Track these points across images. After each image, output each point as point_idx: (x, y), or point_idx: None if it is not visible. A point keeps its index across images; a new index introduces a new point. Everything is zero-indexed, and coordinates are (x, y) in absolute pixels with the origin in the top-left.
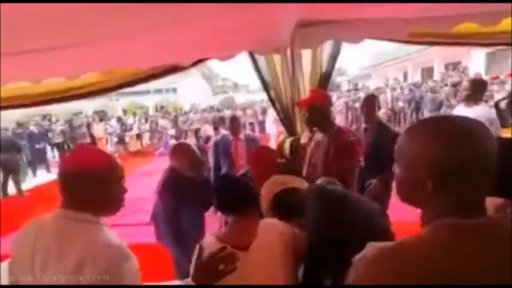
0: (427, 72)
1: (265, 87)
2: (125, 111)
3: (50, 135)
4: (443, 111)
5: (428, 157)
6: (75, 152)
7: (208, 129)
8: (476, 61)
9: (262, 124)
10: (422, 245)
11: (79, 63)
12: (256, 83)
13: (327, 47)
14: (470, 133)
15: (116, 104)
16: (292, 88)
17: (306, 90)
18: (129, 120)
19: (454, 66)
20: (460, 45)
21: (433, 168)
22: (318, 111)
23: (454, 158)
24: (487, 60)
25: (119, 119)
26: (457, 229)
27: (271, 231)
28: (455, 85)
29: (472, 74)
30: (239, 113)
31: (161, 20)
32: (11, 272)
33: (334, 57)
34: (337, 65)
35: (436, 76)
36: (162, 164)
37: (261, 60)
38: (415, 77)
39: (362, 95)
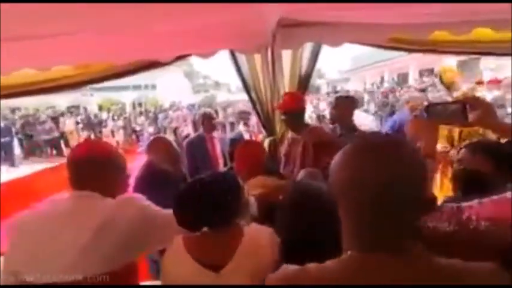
0: (403, 78)
1: (246, 87)
2: (100, 107)
3: (14, 129)
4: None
5: (332, 179)
6: (85, 142)
7: (187, 127)
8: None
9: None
10: (323, 274)
11: (51, 55)
12: (237, 83)
13: (307, 48)
14: (372, 153)
15: (91, 99)
16: (272, 89)
17: (285, 91)
18: (103, 115)
19: (428, 72)
20: (434, 52)
21: (334, 190)
22: (292, 115)
23: (347, 179)
24: (458, 68)
25: (95, 115)
26: (351, 262)
27: (254, 248)
28: (422, 90)
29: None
30: (220, 112)
31: (140, 14)
32: (9, 264)
33: (313, 59)
34: (317, 67)
35: (411, 81)
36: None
37: (242, 60)
38: (391, 81)
39: None
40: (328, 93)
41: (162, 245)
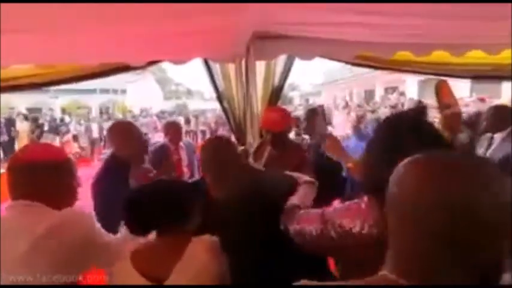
0: (369, 94)
1: (219, 96)
2: (63, 110)
3: None
4: None
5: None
6: (28, 147)
7: (157, 136)
8: (410, 87)
9: (215, 133)
10: None
11: (10, 53)
12: (211, 91)
13: (281, 61)
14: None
15: (55, 101)
16: (245, 99)
17: (258, 102)
18: (66, 119)
19: (393, 90)
20: (397, 71)
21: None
22: (278, 134)
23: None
24: (419, 88)
25: (60, 119)
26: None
27: (195, 261)
28: (393, 107)
29: (408, 98)
30: (192, 120)
31: (110, 14)
32: None
33: (286, 72)
34: (291, 80)
35: (377, 98)
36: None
37: (216, 68)
38: (359, 98)
39: None
40: (301, 105)
41: (106, 265)
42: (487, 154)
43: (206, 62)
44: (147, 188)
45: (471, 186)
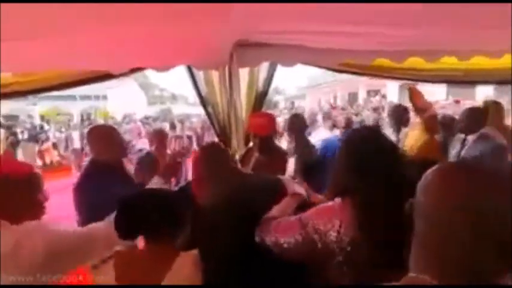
0: (353, 97)
1: (202, 101)
2: (42, 117)
3: None
4: None
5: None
6: None
7: (142, 142)
8: (391, 91)
9: (201, 138)
10: None
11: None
12: (195, 95)
13: (264, 67)
14: None
15: (33, 108)
16: (229, 105)
17: (242, 107)
18: (45, 127)
19: (375, 93)
20: (378, 77)
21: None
22: (263, 138)
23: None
24: (400, 91)
25: (40, 127)
26: None
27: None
28: (375, 110)
29: (388, 101)
30: (177, 125)
31: (92, 19)
32: None
33: (270, 78)
34: (275, 83)
35: (360, 101)
36: None
37: (199, 74)
38: (343, 100)
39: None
40: (285, 109)
41: (83, 263)
42: (461, 155)
43: (189, 68)
44: (138, 194)
45: (491, 189)
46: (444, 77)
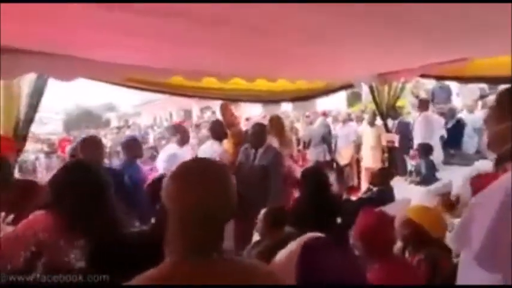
0: (188, 114)
1: None
2: None
3: None
4: None
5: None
6: None
7: None
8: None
9: None
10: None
11: None
12: None
13: (28, 82)
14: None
15: None
16: None
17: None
18: None
19: (208, 109)
20: (173, 94)
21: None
22: None
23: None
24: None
25: None
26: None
27: None
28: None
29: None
30: None
31: None
32: None
33: (37, 96)
34: (107, 100)
35: (195, 117)
36: None
37: None
38: (179, 117)
39: (129, 132)
40: (118, 127)
41: None
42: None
43: None
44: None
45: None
46: (254, 97)
